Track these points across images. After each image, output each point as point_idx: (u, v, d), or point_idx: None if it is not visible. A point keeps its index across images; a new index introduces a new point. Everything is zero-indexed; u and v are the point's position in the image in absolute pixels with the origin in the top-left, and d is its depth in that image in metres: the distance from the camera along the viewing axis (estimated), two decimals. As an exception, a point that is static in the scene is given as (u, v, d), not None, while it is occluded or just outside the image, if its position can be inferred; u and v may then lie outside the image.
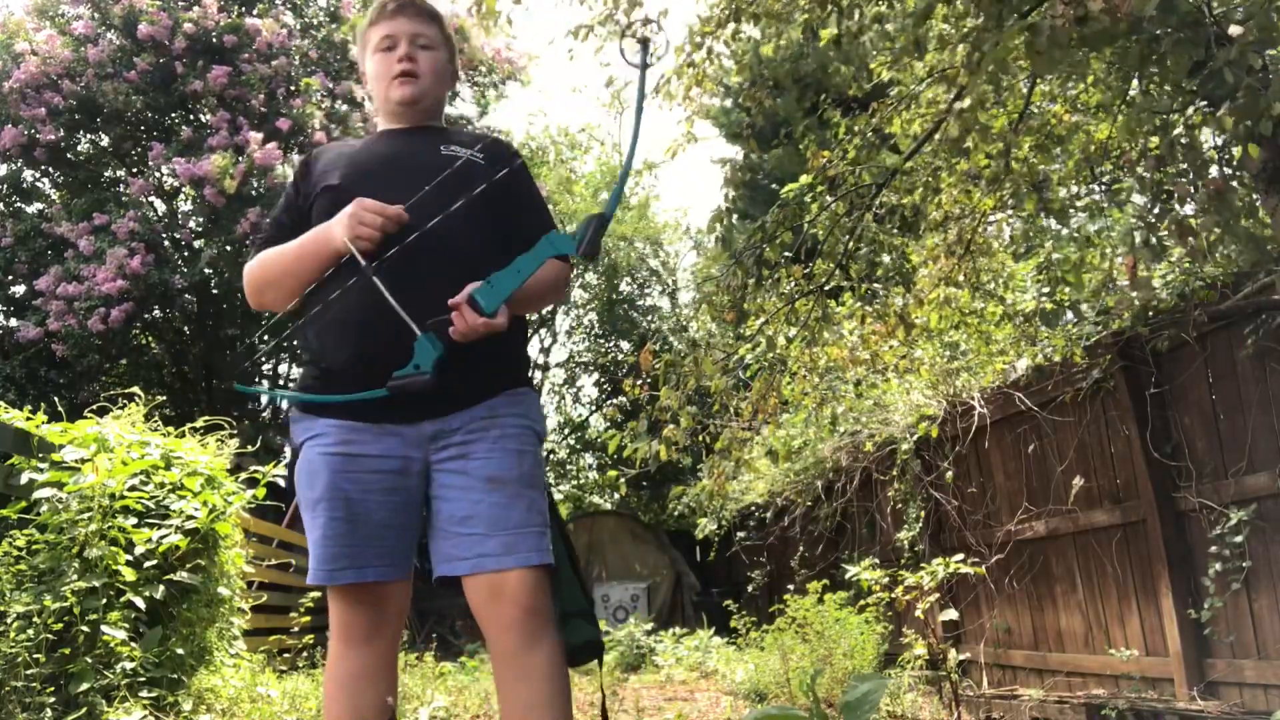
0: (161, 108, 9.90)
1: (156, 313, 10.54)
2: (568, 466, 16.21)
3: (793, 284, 4.54)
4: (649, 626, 8.28)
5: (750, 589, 8.44)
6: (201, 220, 9.76)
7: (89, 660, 2.91)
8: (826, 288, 4.53)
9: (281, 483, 10.89)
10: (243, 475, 4.14)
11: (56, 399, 4.85)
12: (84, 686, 2.83)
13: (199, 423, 4.07)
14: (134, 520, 3.30)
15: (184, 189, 10.08)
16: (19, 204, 10.48)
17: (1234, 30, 2.41)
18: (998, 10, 2.81)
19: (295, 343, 1.80)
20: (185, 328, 11.15)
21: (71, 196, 10.07)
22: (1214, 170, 2.86)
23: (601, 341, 15.93)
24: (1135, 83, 3.38)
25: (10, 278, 9.87)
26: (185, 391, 11.25)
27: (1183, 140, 2.75)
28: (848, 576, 5.20)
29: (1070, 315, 4.82)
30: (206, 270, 9.70)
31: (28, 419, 3.35)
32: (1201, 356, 3.71)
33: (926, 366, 5.32)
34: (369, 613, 1.73)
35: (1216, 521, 3.59)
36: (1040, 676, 4.65)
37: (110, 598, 3.06)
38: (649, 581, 11.09)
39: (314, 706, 3.72)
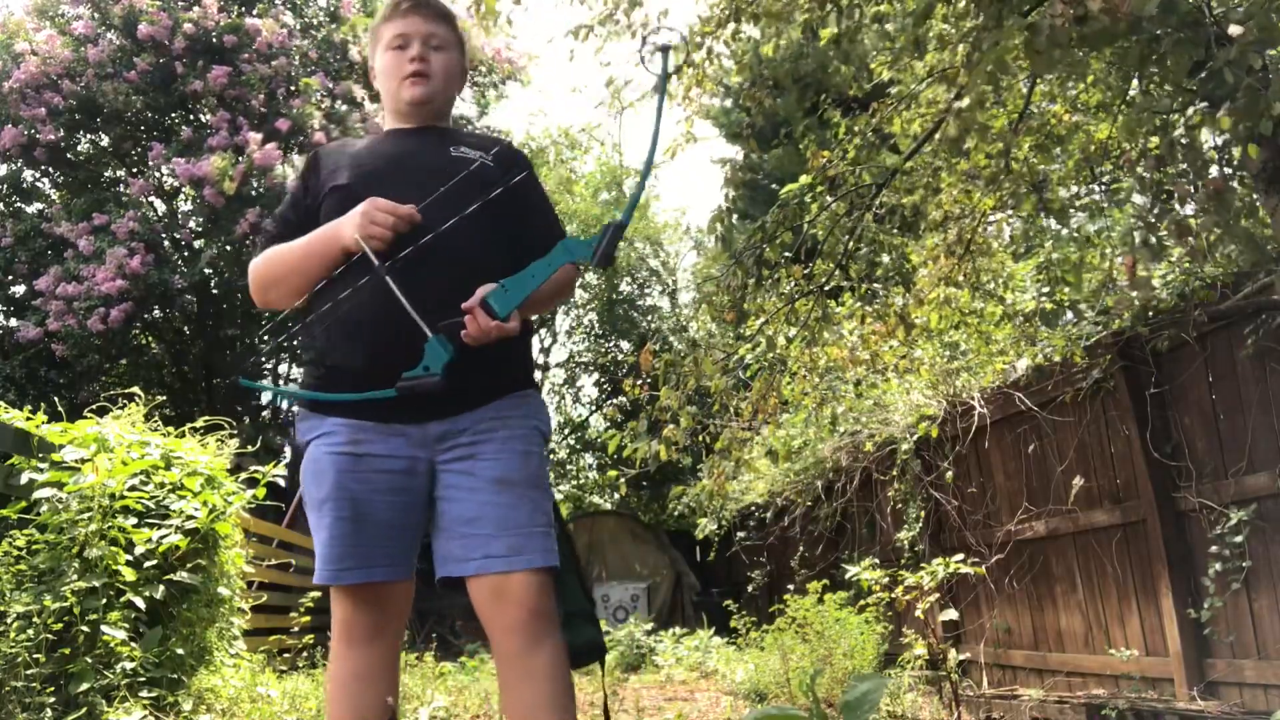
0: (161, 108, 9.90)
1: (156, 313, 10.54)
2: (568, 466, 16.20)
3: (793, 284, 4.54)
4: (649, 626, 8.28)
5: (750, 589, 8.44)
6: (201, 220, 9.76)
7: (89, 660, 2.91)
8: (826, 288, 4.54)
9: (281, 483, 10.91)
10: (243, 475, 4.14)
11: (56, 399, 4.85)
12: (84, 686, 2.83)
13: (199, 423, 4.07)
14: (134, 520, 3.30)
15: (184, 189, 10.08)
16: (19, 204, 10.49)
17: (1234, 30, 2.41)
18: (998, 10, 2.81)
19: (302, 341, 1.80)
20: (185, 328, 11.15)
21: (71, 196, 10.08)
22: (1214, 170, 2.86)
23: (601, 341, 15.92)
24: (1135, 83, 3.38)
25: (10, 278, 9.87)
26: (185, 391, 11.25)
27: (1183, 140, 2.75)
28: (848, 576, 5.20)
29: (1070, 315, 4.82)
30: (206, 270, 9.70)
31: (28, 419, 3.35)
32: (1201, 356, 3.71)
33: (926, 366, 5.31)
34: (372, 613, 1.73)
35: (1216, 521, 3.59)
36: (1040, 676, 4.65)
37: (110, 598, 3.06)
38: (649, 581, 11.09)
39: (314, 706, 3.72)
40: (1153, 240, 2.86)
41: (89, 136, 10.56)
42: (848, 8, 3.72)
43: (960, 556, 4.45)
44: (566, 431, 16.26)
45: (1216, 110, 2.55)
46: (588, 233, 12.82)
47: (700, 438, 5.25)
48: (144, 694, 3.02)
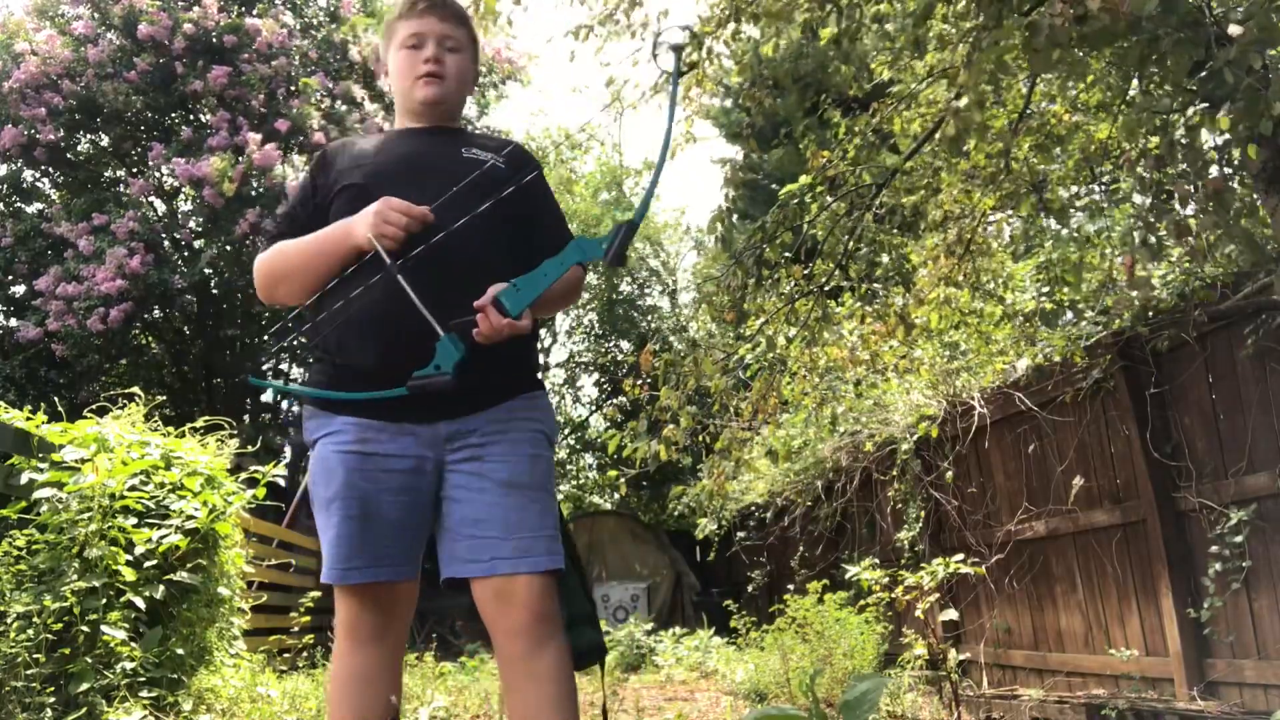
0: (161, 108, 9.90)
1: (156, 313, 10.54)
2: (568, 466, 16.21)
3: (793, 284, 4.55)
4: (649, 626, 8.27)
5: (750, 589, 8.44)
6: (201, 220, 9.76)
7: (89, 660, 2.91)
8: (826, 288, 4.54)
9: (281, 483, 10.93)
10: (243, 475, 4.14)
11: (56, 399, 4.85)
12: (84, 686, 2.83)
13: (199, 423, 4.07)
14: (134, 520, 3.30)
15: (184, 189, 10.08)
16: (19, 204, 10.48)
17: (1234, 30, 2.41)
18: (997, 10, 2.81)
19: (311, 339, 1.80)
20: (185, 328, 11.15)
21: (71, 196, 10.08)
22: (1214, 170, 2.86)
23: (601, 341, 15.93)
24: (1135, 83, 3.38)
25: (10, 278, 9.87)
26: (185, 391, 11.25)
27: (1183, 140, 2.75)
28: (848, 576, 5.20)
29: (1070, 315, 4.83)
30: (206, 270, 9.70)
31: (28, 419, 3.35)
32: (1201, 356, 3.71)
33: (926, 366, 5.32)
34: (378, 612, 1.73)
35: (1216, 521, 3.59)
36: (1040, 676, 4.65)
37: (110, 598, 3.06)
38: (649, 581, 11.08)
39: (314, 706, 3.72)
40: (1152, 240, 2.86)
41: (89, 136, 10.56)
42: (848, 8, 3.72)
43: (960, 556, 4.45)
44: (567, 431, 16.26)
45: (1216, 110, 2.55)
46: (588, 233, 12.83)
47: (700, 438, 5.26)
48: (144, 694, 3.02)
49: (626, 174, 16.58)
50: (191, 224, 10.00)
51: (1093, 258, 4.61)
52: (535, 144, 15.55)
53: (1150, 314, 3.84)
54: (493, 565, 1.67)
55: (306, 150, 9.82)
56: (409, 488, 1.71)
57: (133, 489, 3.35)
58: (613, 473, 12.56)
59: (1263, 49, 2.39)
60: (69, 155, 10.34)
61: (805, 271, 4.51)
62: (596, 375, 16.04)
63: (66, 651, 2.90)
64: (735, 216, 5.58)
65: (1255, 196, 2.90)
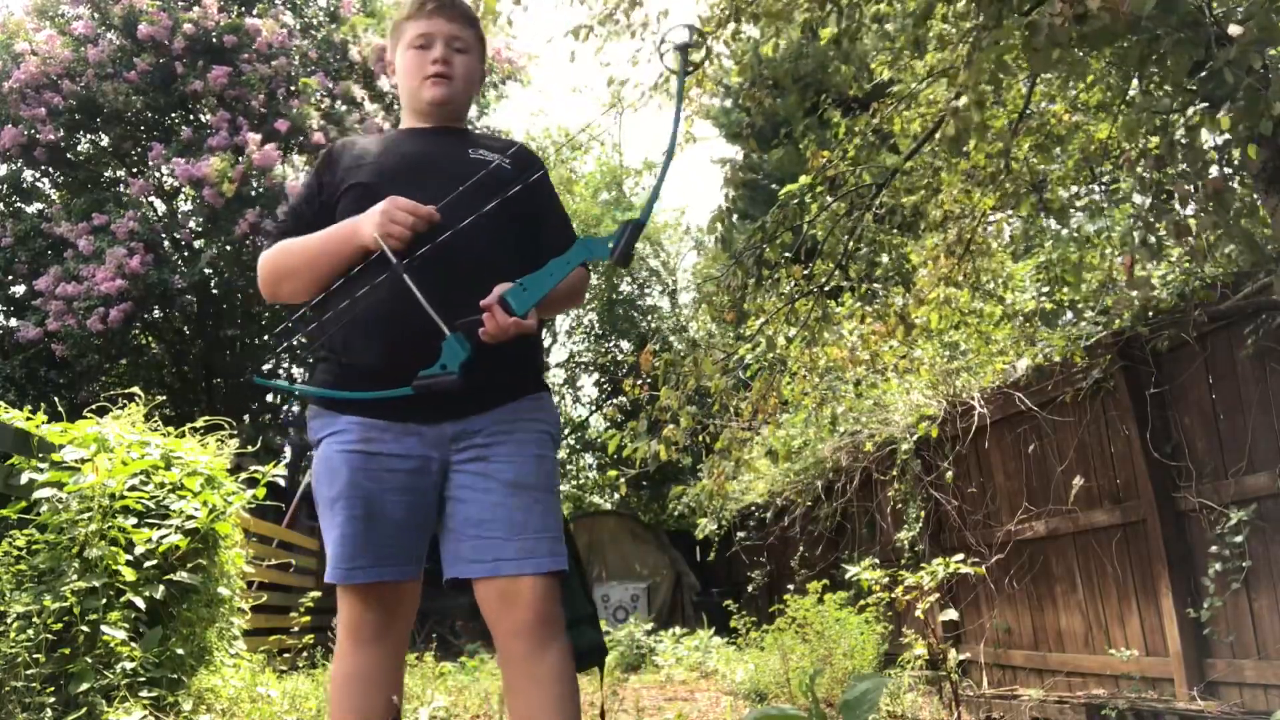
0: (161, 108, 9.90)
1: (156, 313, 10.54)
2: (568, 466, 16.21)
3: (793, 284, 4.55)
4: (649, 626, 8.27)
5: (750, 589, 8.43)
6: (201, 220, 9.76)
7: (89, 660, 2.91)
8: (826, 288, 4.54)
9: (281, 483, 10.92)
10: (243, 475, 4.14)
11: (56, 399, 4.85)
12: (84, 686, 2.83)
13: (199, 423, 4.07)
14: (134, 520, 3.30)
15: (184, 189, 10.08)
16: (19, 204, 10.48)
17: (1234, 30, 2.41)
18: (997, 9, 2.81)
19: (316, 338, 1.80)
20: (185, 328, 11.16)
21: (71, 196, 10.08)
22: (1214, 170, 2.86)
23: (601, 341, 15.93)
24: (1135, 83, 3.38)
25: (10, 278, 9.87)
26: (185, 391, 11.25)
27: (1183, 140, 2.75)
28: (848, 576, 5.20)
29: (1070, 315, 4.83)
30: (206, 270, 9.70)
31: (28, 419, 3.35)
32: (1201, 356, 3.71)
33: (926, 366, 5.32)
34: (380, 612, 1.73)
35: (1216, 521, 3.59)
36: (1040, 676, 4.65)
37: (110, 598, 3.06)
38: (649, 581, 11.08)
39: (314, 706, 3.72)
40: (1152, 240, 2.86)
41: (89, 136, 10.56)
42: (848, 8, 3.72)
43: (960, 556, 4.44)
44: (567, 431, 16.26)
45: (1216, 110, 2.55)
46: (587, 233, 12.84)
47: (700, 438, 5.26)
48: (144, 694, 3.02)
49: (626, 174, 16.58)
50: (191, 224, 10.00)
51: (1093, 258, 4.61)
52: (535, 144, 15.56)
53: (1150, 314, 3.84)
54: (496, 566, 1.67)
55: (306, 150, 9.82)
56: (412, 487, 1.71)
57: (133, 489, 3.35)
58: (613, 473, 12.57)
59: (1263, 49, 2.39)
60: (69, 155, 10.34)
61: (805, 271, 4.51)
62: (596, 375, 16.04)
63: (66, 651, 2.90)
64: (735, 216, 5.58)
65: (1255, 196, 2.90)
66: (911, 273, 4.90)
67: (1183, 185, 2.79)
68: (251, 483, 4.10)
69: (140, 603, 3.14)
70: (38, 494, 3.13)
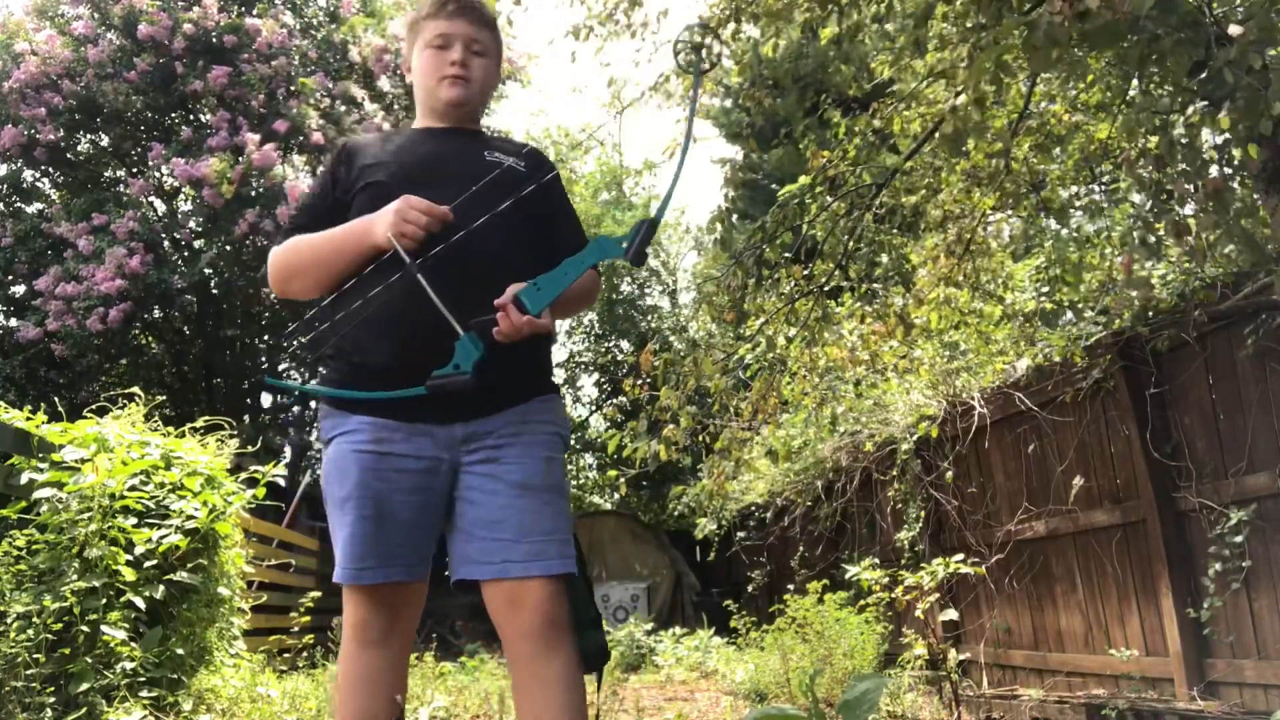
0: (161, 108, 9.91)
1: (156, 313, 10.55)
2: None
3: (793, 284, 4.55)
4: (649, 626, 8.28)
5: (750, 589, 8.44)
6: (201, 220, 9.76)
7: (89, 660, 2.91)
8: (826, 288, 4.53)
9: (281, 483, 10.92)
10: (243, 475, 4.14)
11: (56, 399, 4.85)
12: (84, 686, 2.83)
13: (199, 423, 4.07)
14: (134, 520, 3.30)
15: (184, 189, 10.08)
16: (19, 204, 10.49)
17: (1234, 30, 2.41)
18: (997, 9, 2.81)
19: (328, 338, 1.80)
20: (185, 328, 11.16)
21: (71, 196, 10.08)
22: (1214, 170, 2.86)
23: (601, 341, 15.93)
24: (1135, 83, 3.38)
25: (10, 278, 9.87)
26: (185, 391, 11.25)
27: (1182, 140, 2.75)
28: (848, 576, 5.20)
29: (1070, 315, 4.82)
30: (206, 270, 9.70)
31: (28, 419, 3.35)
32: (1201, 356, 3.71)
33: (926, 366, 5.32)
34: (387, 613, 1.72)
35: (1216, 521, 3.59)
36: (1040, 676, 4.65)
37: (110, 598, 3.06)
38: (649, 581, 11.08)
39: (314, 706, 3.72)
40: (1151, 240, 2.86)
41: (89, 136, 10.56)
42: (847, 7, 3.72)
43: (960, 556, 4.44)
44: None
45: (1216, 110, 2.55)
46: (587, 233, 12.79)
47: (700, 438, 5.26)
48: (144, 694, 3.02)
49: (626, 174, 16.58)
50: (191, 224, 10.00)
51: (1092, 258, 4.61)
52: (535, 144, 15.56)
53: (1150, 314, 3.84)
54: (504, 568, 1.67)
55: (306, 150, 9.82)
56: (422, 488, 1.71)
57: (133, 489, 3.35)
58: (613, 473, 12.57)
59: (1263, 49, 2.39)
60: (69, 155, 10.34)
61: (805, 271, 4.51)
62: (596, 375, 16.04)
63: (66, 651, 2.90)
64: (735, 216, 5.58)
65: (1255, 196, 2.89)
66: (911, 273, 4.89)
67: (1182, 185, 2.79)
68: (251, 483, 4.10)
69: (140, 603, 3.14)
70: (38, 494, 3.13)
